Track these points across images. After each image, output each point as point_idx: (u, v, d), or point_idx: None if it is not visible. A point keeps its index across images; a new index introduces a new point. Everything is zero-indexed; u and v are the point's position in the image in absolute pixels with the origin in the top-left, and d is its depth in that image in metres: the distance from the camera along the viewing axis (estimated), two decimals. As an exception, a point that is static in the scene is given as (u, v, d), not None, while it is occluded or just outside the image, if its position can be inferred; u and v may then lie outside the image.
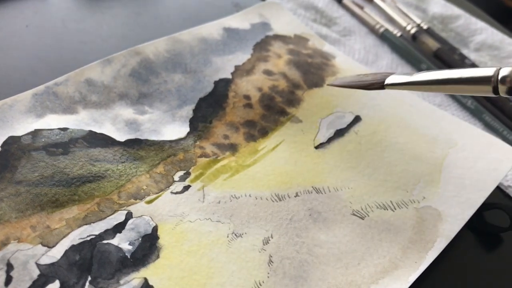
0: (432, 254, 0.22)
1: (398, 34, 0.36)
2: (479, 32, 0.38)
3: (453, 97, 0.33)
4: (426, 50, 0.36)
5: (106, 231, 0.21)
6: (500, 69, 0.20)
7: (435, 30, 0.38)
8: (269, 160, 0.25)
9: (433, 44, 0.35)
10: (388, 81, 0.24)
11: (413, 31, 0.37)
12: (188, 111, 0.27)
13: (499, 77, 0.19)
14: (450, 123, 0.29)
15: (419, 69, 0.35)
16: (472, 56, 0.37)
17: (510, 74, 0.19)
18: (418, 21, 0.38)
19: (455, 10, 0.40)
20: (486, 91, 0.20)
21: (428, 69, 0.34)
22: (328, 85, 0.28)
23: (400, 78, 0.23)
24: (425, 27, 0.38)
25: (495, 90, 0.20)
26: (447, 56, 0.35)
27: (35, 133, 0.23)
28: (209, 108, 0.27)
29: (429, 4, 0.41)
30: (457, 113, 0.32)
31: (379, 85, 0.24)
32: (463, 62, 0.35)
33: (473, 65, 0.35)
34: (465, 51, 0.37)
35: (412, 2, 0.41)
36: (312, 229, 0.23)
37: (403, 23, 0.37)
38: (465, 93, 0.22)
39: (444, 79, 0.21)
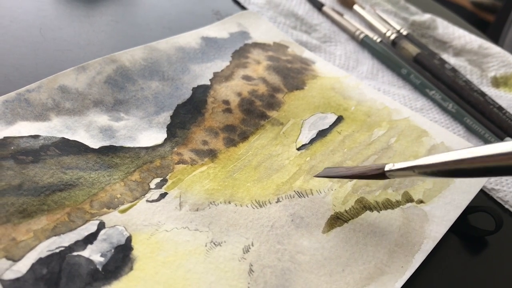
0: (419, 258, 0.22)
1: (378, 40, 0.36)
2: (458, 37, 0.39)
3: (434, 101, 0.33)
4: (406, 55, 0.36)
5: (77, 242, 0.19)
6: None
7: (414, 36, 0.39)
8: (249, 166, 0.24)
9: (413, 49, 0.36)
10: (389, 167, 0.20)
11: (392, 37, 0.37)
12: (165, 117, 0.26)
13: None
14: (431, 128, 0.29)
15: (400, 74, 0.35)
16: (451, 61, 0.37)
17: None
18: (397, 27, 0.38)
19: (434, 18, 0.40)
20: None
21: (408, 73, 0.34)
22: (314, 176, 0.24)
23: (400, 165, 0.20)
24: (404, 33, 0.38)
25: None
26: (427, 61, 0.35)
27: (4, 140, 0.22)
28: (187, 114, 0.26)
29: (409, 11, 0.42)
30: (438, 116, 0.32)
31: (380, 173, 0.21)
32: (443, 66, 0.35)
33: (453, 69, 0.35)
34: (444, 56, 0.38)
35: (391, 9, 0.41)
36: (294, 235, 0.22)
37: (383, 29, 0.38)
38: (478, 176, 0.18)
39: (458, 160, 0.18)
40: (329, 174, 0.23)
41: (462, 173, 0.18)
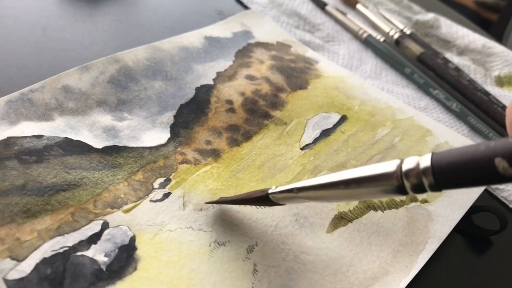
0: (423, 257, 0.22)
1: (382, 40, 0.36)
2: (461, 37, 0.39)
3: (438, 100, 0.33)
4: (410, 54, 0.36)
5: (81, 242, 0.19)
6: (402, 161, 0.15)
7: (418, 35, 0.38)
8: (252, 165, 0.24)
9: (416, 49, 0.36)
10: (272, 190, 0.19)
11: (396, 36, 0.37)
12: (169, 117, 0.26)
13: (403, 170, 0.15)
14: (435, 127, 0.29)
15: (403, 73, 0.35)
16: (455, 60, 0.37)
17: (416, 167, 0.14)
18: (401, 26, 0.38)
19: (437, 17, 0.40)
20: (389, 192, 0.15)
21: (412, 73, 0.34)
22: (206, 203, 0.22)
23: (282, 187, 0.19)
24: (408, 32, 0.38)
25: (401, 189, 0.15)
26: (430, 60, 0.35)
27: (8, 140, 0.22)
28: (190, 114, 0.26)
29: (412, 10, 0.41)
30: (442, 116, 0.32)
31: (264, 196, 0.20)
32: (446, 66, 0.35)
33: (457, 69, 0.35)
34: (448, 55, 0.37)
35: (395, 8, 0.41)
36: (298, 235, 0.22)
37: (386, 29, 0.37)
38: (360, 198, 0.17)
39: (328, 183, 0.17)
40: (220, 200, 0.22)
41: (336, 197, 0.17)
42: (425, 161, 0.14)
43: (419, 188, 0.14)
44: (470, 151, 0.13)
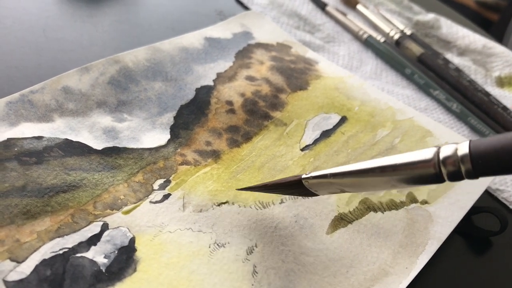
0: (423, 258, 0.22)
1: (382, 40, 0.36)
2: (462, 37, 0.39)
3: (438, 101, 0.33)
4: (410, 55, 0.36)
5: (80, 243, 0.19)
6: (440, 149, 0.15)
7: (418, 36, 0.38)
8: (252, 166, 0.24)
9: (417, 49, 0.36)
10: (305, 175, 0.19)
11: (396, 36, 0.37)
12: (169, 118, 0.26)
13: (441, 158, 0.15)
14: (436, 128, 0.29)
15: (403, 74, 0.35)
16: (455, 60, 0.37)
17: (454, 154, 0.14)
18: (401, 27, 0.38)
19: (437, 17, 0.40)
20: (426, 179, 0.15)
21: (412, 73, 0.34)
22: (237, 189, 0.22)
23: (316, 172, 0.19)
24: (408, 33, 0.38)
25: (438, 176, 0.15)
26: (431, 61, 0.35)
27: (8, 141, 0.22)
28: (191, 115, 0.26)
29: (412, 11, 0.41)
30: (442, 116, 0.32)
31: (297, 180, 0.19)
32: (447, 66, 0.35)
33: (457, 69, 0.35)
34: (448, 56, 0.37)
35: (395, 9, 0.41)
36: (298, 237, 0.22)
37: (387, 29, 0.37)
38: (395, 186, 0.17)
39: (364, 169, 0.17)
40: (252, 187, 0.22)
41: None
42: (463, 149, 0.14)
43: (456, 176, 0.14)
44: (509, 137, 0.13)
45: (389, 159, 0.16)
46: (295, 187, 0.19)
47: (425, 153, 0.15)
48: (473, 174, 0.14)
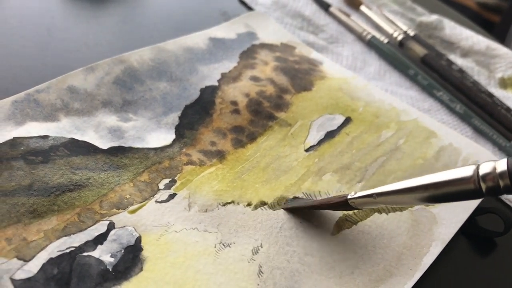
0: (428, 260, 0.22)
1: (385, 41, 0.36)
2: (465, 38, 0.39)
3: (442, 102, 0.33)
4: (414, 56, 0.36)
5: (87, 242, 0.19)
6: (478, 167, 0.16)
7: (422, 37, 0.38)
8: (257, 167, 0.24)
9: (420, 50, 0.36)
10: (351, 195, 0.20)
11: (400, 37, 0.37)
12: (174, 118, 0.26)
13: (480, 175, 0.16)
14: (440, 129, 0.29)
15: (407, 75, 0.35)
16: (459, 61, 0.37)
17: (492, 171, 0.16)
18: (404, 28, 0.38)
19: (441, 18, 0.40)
20: (466, 195, 0.17)
21: (416, 74, 0.34)
22: (282, 208, 0.23)
23: (361, 192, 0.20)
24: (411, 34, 0.38)
25: (477, 192, 0.16)
26: (434, 62, 0.35)
27: (14, 141, 0.22)
28: (195, 115, 0.26)
29: (416, 12, 0.42)
30: (446, 118, 0.32)
31: (343, 201, 0.20)
32: (450, 67, 0.35)
33: (461, 70, 0.35)
34: (451, 57, 0.37)
35: (398, 10, 0.41)
36: (303, 237, 0.22)
37: (390, 30, 0.38)
38: (436, 202, 0.18)
39: (410, 187, 0.18)
40: (297, 205, 0.23)
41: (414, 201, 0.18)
42: (501, 166, 0.16)
43: (495, 191, 0.16)
44: None
45: (431, 177, 0.17)
46: (341, 206, 0.21)
47: (465, 171, 0.16)
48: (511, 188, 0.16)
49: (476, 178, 0.16)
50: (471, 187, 0.16)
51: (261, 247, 0.21)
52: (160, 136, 0.25)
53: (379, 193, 0.19)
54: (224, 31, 0.33)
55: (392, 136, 0.28)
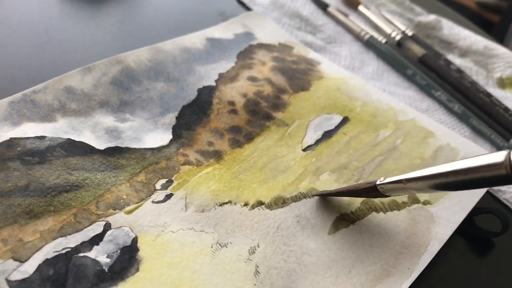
0: (425, 259, 0.22)
1: (383, 41, 0.36)
2: (463, 38, 0.39)
3: (440, 102, 0.33)
4: (412, 56, 0.36)
5: (83, 243, 0.19)
6: (510, 152, 0.16)
7: (420, 37, 0.38)
8: (254, 167, 0.24)
9: (418, 50, 0.36)
10: (380, 181, 0.20)
11: (398, 37, 0.37)
12: (171, 118, 0.26)
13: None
14: (437, 129, 0.29)
15: (405, 75, 0.35)
16: (457, 61, 0.37)
17: None
18: (402, 28, 0.38)
19: (439, 18, 0.40)
20: (497, 180, 0.17)
21: (414, 74, 0.34)
22: (313, 195, 0.23)
23: (390, 178, 0.20)
24: (410, 33, 0.38)
25: (509, 177, 0.16)
26: (432, 62, 0.35)
27: (10, 141, 0.22)
28: (193, 115, 0.26)
29: (414, 12, 0.42)
30: (444, 117, 0.32)
31: (372, 187, 0.21)
32: (448, 67, 0.35)
33: (459, 70, 0.35)
34: (450, 57, 0.37)
35: (396, 10, 0.41)
36: (300, 237, 0.22)
37: (388, 30, 0.37)
38: (465, 188, 0.18)
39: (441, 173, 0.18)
40: (325, 193, 0.23)
41: (448, 187, 0.18)
42: None
43: None
44: None
45: (461, 162, 0.17)
46: (370, 192, 0.21)
47: (497, 157, 0.16)
48: None
49: (508, 163, 0.16)
50: (502, 173, 0.16)
51: (258, 247, 0.21)
52: (157, 137, 0.25)
53: (409, 179, 0.19)
54: (222, 31, 0.33)
55: (390, 136, 0.28)
